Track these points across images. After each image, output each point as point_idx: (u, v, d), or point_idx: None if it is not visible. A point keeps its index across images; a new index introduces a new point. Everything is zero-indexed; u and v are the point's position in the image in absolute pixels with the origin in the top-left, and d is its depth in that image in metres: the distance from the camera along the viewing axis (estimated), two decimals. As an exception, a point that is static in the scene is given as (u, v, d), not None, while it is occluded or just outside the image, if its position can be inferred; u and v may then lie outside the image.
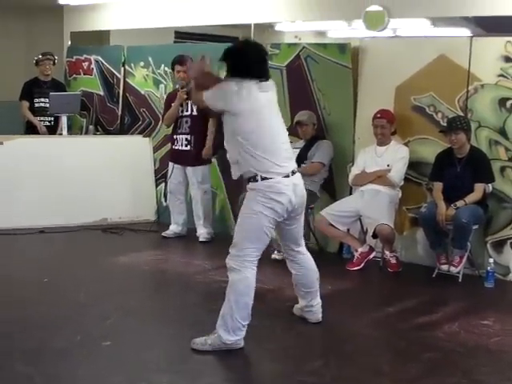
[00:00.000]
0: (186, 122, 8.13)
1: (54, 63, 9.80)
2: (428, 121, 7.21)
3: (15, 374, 4.34)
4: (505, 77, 6.74)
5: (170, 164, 8.36)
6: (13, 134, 8.96)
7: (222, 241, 8.04)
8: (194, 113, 8.08)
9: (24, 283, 6.42)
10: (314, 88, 7.88)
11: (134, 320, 5.36)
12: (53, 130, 9.60)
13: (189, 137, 8.11)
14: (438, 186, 6.83)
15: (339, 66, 7.65)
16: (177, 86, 8.31)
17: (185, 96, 8.05)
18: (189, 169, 8.19)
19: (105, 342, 4.88)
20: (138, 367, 4.53)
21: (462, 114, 6.95)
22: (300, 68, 7.96)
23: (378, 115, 7.21)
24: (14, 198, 8.39)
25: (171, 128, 8.47)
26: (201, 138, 8.03)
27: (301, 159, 7.60)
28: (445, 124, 6.93)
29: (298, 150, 7.66)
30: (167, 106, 8.36)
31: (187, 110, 8.14)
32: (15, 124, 9.57)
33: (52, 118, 9.64)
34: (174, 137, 8.26)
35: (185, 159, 8.16)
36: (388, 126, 7.21)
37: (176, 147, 8.25)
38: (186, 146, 8.13)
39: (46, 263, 7.12)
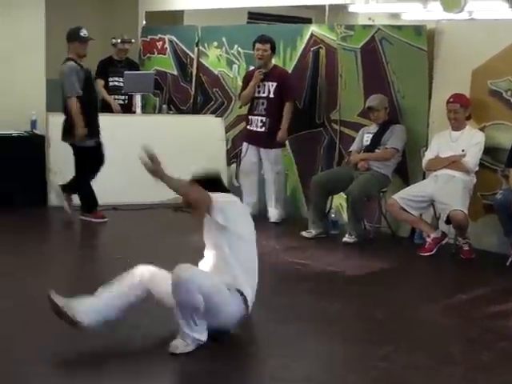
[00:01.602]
0: (262, 103, 8.13)
1: (130, 44, 9.94)
2: (505, 106, 7.05)
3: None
4: None
5: (245, 144, 8.39)
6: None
7: (292, 222, 8.11)
8: (271, 95, 8.08)
9: (96, 260, 6.54)
10: (389, 70, 7.78)
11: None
12: (126, 108, 9.71)
13: (264, 119, 8.11)
14: (514, 172, 6.70)
15: (415, 49, 7.53)
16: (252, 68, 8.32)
17: (261, 76, 8.05)
18: (262, 150, 8.21)
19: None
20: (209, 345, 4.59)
21: (540, 99, 6.80)
22: (374, 50, 7.86)
23: (451, 99, 7.10)
24: (88, 174, 8.51)
25: (244, 108, 8.51)
26: (276, 121, 8.04)
27: (374, 144, 7.56)
28: (523, 109, 6.80)
29: (371, 135, 7.63)
30: (244, 84, 8.37)
31: (264, 92, 8.13)
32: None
33: (126, 97, 9.76)
34: (249, 117, 8.28)
35: (259, 140, 8.18)
36: (461, 110, 7.09)
37: (251, 128, 8.27)
38: (261, 127, 8.14)
39: (118, 240, 7.22)
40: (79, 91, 7.66)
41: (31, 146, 8.86)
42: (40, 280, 5.75)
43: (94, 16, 10.72)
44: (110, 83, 9.75)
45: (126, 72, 9.52)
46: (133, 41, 10.00)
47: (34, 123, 8.90)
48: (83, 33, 7.74)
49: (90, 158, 7.86)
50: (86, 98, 7.74)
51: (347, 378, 4.22)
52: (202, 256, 4.82)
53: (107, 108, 9.62)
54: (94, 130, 7.84)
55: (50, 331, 4.61)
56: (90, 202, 7.95)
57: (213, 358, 4.40)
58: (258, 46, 8.12)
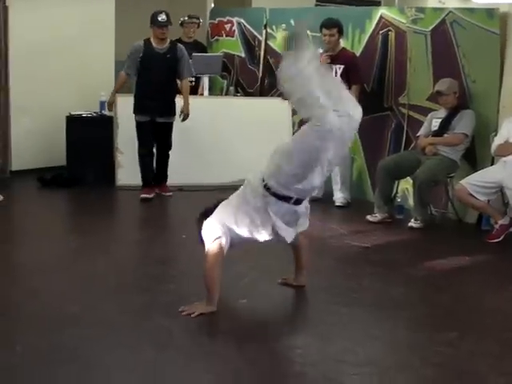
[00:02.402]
0: (330, 86, 8.09)
1: (198, 26, 9.97)
2: None
3: (156, 326, 4.50)
4: None
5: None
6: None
7: (358, 206, 8.08)
8: (338, 78, 8.03)
9: (163, 241, 6.61)
10: (459, 54, 7.66)
11: (267, 281, 5.40)
12: (194, 90, 9.75)
13: (332, 101, 8.07)
14: None
15: (486, 32, 7.39)
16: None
17: (328, 60, 8.00)
18: (328, 133, 8.16)
19: (242, 300, 4.97)
20: (273, 326, 4.61)
21: None
22: (445, 33, 7.75)
23: (521, 83, 6.98)
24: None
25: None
26: (343, 104, 7.98)
27: (443, 129, 7.47)
28: None
29: (439, 120, 7.53)
30: (313, 67, 8.32)
31: (331, 75, 8.10)
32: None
33: (194, 79, 9.79)
34: (317, 101, 8.24)
35: (325, 123, 8.13)
36: (533, 95, 6.96)
37: (318, 111, 8.23)
38: (329, 110, 8.10)
39: (184, 221, 7.28)
40: (127, 70, 8.18)
41: (100, 127, 9.02)
42: (109, 257, 5.89)
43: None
44: (179, 64, 9.80)
45: (194, 54, 9.55)
46: (201, 20, 10.02)
47: (102, 104, 9.03)
48: (161, 17, 8.04)
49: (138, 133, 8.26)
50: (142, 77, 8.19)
51: (411, 362, 4.19)
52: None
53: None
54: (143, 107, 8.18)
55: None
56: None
57: (274, 337, 4.43)
58: (324, 31, 8.06)
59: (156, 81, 8.09)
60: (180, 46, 8.37)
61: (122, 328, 4.47)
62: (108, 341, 4.30)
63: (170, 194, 8.40)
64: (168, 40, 8.23)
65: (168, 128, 8.30)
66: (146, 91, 8.13)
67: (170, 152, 8.42)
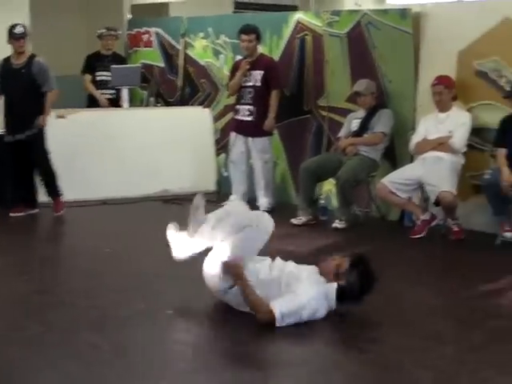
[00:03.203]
0: (249, 92, 8.11)
1: (116, 38, 9.90)
2: (491, 86, 7.05)
3: (82, 342, 4.43)
4: None
5: (232, 134, 8.38)
6: (75, 107, 9.08)
7: (282, 210, 8.08)
8: (258, 84, 8.07)
9: (87, 254, 6.52)
10: (375, 55, 7.78)
11: (197, 289, 5.37)
12: (114, 102, 9.69)
13: (251, 107, 8.09)
14: (502, 152, 6.69)
15: (400, 32, 7.52)
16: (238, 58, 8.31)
17: (247, 66, 8.04)
18: (250, 139, 8.19)
19: (168, 311, 4.94)
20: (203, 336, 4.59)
21: (526, 78, 6.80)
22: (361, 35, 7.86)
23: (436, 81, 7.10)
24: (77, 170, 8.49)
25: (231, 98, 8.50)
26: (263, 110, 8.03)
27: (362, 129, 7.56)
28: (509, 89, 6.78)
29: (358, 121, 7.62)
30: (232, 74, 8.35)
31: (250, 81, 8.12)
32: (77, 98, 9.67)
33: (113, 91, 9.72)
34: (237, 107, 8.27)
35: (247, 129, 8.17)
36: (446, 92, 7.09)
37: (238, 117, 8.26)
38: (249, 116, 8.13)
39: (108, 234, 7.22)
40: None
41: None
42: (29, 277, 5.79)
43: (79, 12, 10.71)
44: (98, 78, 9.72)
45: (112, 66, 9.50)
46: (119, 32, 9.96)
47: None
48: (17, 29, 7.78)
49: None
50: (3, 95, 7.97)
51: (339, 360, 4.23)
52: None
53: (95, 103, 9.61)
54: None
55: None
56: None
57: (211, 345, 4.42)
58: (243, 37, 8.10)
59: (12, 98, 7.86)
60: (37, 60, 7.88)
61: (48, 346, 4.39)
62: (34, 361, 4.18)
63: (61, 212, 8.00)
64: (27, 54, 7.88)
65: (31, 143, 7.87)
66: (6, 109, 7.94)
67: (49, 166, 8.00)
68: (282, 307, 4.53)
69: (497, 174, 6.59)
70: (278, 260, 4.98)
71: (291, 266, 4.91)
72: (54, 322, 4.76)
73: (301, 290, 4.63)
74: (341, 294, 4.69)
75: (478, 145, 7.16)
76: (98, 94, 9.66)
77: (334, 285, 4.71)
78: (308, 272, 4.82)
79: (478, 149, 7.16)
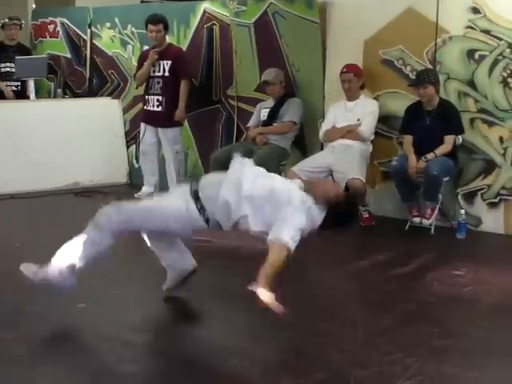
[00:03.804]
0: (158, 82, 8.07)
1: (20, 27, 9.71)
2: (397, 74, 7.20)
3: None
4: (473, 28, 6.72)
5: (142, 125, 8.33)
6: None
7: (194, 201, 8.04)
8: (166, 74, 8.04)
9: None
10: (283, 44, 7.83)
11: (111, 283, 5.33)
12: (20, 94, 9.50)
13: (160, 98, 8.06)
14: (408, 139, 6.85)
15: (307, 22, 7.59)
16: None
17: (156, 56, 8.00)
18: (160, 130, 8.16)
19: (80, 305, 4.88)
20: (114, 328, 4.55)
21: (430, 66, 6.94)
22: (268, 24, 7.90)
23: (345, 69, 7.20)
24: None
25: (141, 89, 8.44)
26: (172, 100, 8.00)
27: (272, 118, 7.61)
28: (414, 77, 6.93)
29: (268, 110, 7.66)
30: (139, 64, 8.28)
31: (159, 71, 8.07)
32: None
33: (19, 83, 9.54)
34: (146, 97, 8.22)
35: (156, 120, 8.13)
36: (355, 79, 7.20)
37: (147, 108, 8.21)
38: (158, 106, 8.09)
39: (17, 229, 7.08)
40: None
41: None
42: None
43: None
44: (2, 69, 9.52)
45: (17, 57, 9.31)
46: (22, 22, 9.75)
47: None
48: None
49: None
50: None
51: (254, 348, 4.25)
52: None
53: (0, 95, 9.40)
54: None
55: None
56: None
57: (116, 336, 4.39)
58: (150, 27, 8.04)
59: None
60: None
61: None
62: None
63: None
64: None
65: None
66: None
67: None
68: (290, 233, 4.25)
69: (404, 160, 6.74)
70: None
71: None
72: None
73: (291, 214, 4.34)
74: (324, 221, 4.50)
75: (386, 132, 7.31)
76: (3, 85, 9.45)
77: (322, 214, 4.47)
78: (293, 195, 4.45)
79: (386, 136, 7.31)
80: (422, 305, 4.94)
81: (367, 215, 7.02)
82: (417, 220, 6.82)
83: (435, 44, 6.93)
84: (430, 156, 6.63)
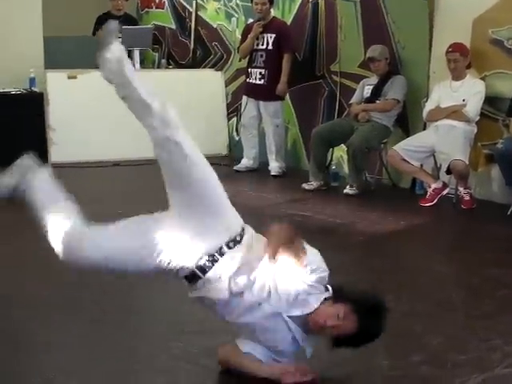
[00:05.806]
0: (261, 55, 8.10)
1: (126, -1, 9.86)
2: (506, 54, 6.99)
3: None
4: None
5: (244, 97, 8.38)
6: (86, 68, 9.04)
7: (293, 175, 8.11)
8: (270, 47, 8.05)
9: (99, 215, 6.51)
10: (389, 21, 7.72)
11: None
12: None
13: (263, 71, 8.08)
14: (516, 122, 6.68)
15: (415, -1, 7.47)
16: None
17: (260, 29, 8.01)
18: (262, 103, 8.19)
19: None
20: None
21: (542, 47, 6.74)
22: (374, 0, 7.79)
23: (450, 49, 7.05)
24: (89, 131, 8.51)
25: (244, 61, 8.48)
26: (275, 73, 8.01)
27: (375, 95, 7.53)
28: (524, 58, 6.75)
29: (371, 87, 7.59)
30: (244, 37, 8.32)
31: (263, 44, 8.09)
32: (88, 58, 9.61)
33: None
34: (249, 70, 8.26)
35: (258, 93, 8.16)
36: (461, 59, 7.04)
37: (250, 81, 8.25)
38: (260, 79, 8.12)
39: (119, 196, 7.23)
40: None
41: (30, 104, 8.84)
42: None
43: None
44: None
45: (123, 27, 9.43)
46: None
47: (32, 81, 8.86)
48: None
49: None
50: None
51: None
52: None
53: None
54: None
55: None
56: None
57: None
58: (255, 0, 8.06)
59: None
60: None
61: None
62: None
63: None
64: None
65: None
66: None
67: None
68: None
69: (509, 143, 6.57)
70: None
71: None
72: None
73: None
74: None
75: (491, 114, 7.13)
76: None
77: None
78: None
79: (491, 118, 7.13)
80: (522, 292, 4.84)
81: (468, 198, 6.88)
82: (521, 205, 6.66)
83: (548, 24, 6.72)
84: (537, 139, 6.45)
